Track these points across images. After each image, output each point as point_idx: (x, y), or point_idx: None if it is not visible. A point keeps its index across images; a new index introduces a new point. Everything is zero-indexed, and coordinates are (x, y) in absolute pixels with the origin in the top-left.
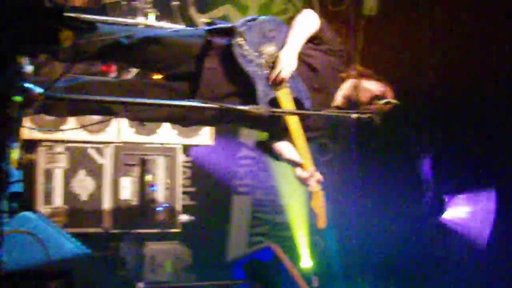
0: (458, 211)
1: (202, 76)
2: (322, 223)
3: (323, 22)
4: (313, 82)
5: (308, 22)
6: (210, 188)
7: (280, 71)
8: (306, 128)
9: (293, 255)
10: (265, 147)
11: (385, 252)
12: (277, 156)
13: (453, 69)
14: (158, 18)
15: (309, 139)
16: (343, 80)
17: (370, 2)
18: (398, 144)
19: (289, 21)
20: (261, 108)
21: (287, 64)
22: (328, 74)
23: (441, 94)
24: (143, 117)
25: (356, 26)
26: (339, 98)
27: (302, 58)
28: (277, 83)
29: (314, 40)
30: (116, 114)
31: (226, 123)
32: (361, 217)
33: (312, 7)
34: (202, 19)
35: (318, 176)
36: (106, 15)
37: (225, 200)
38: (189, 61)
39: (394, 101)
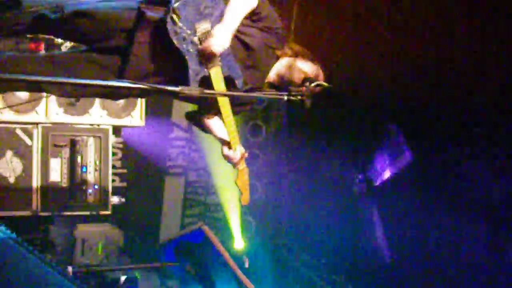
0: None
1: (132, 51)
2: (245, 200)
3: None
4: (246, 60)
5: None
6: (141, 170)
7: (210, 45)
8: (237, 102)
9: (226, 236)
10: (195, 119)
11: (317, 232)
12: (206, 130)
13: (385, 49)
14: None
15: (239, 112)
16: (277, 58)
17: None
18: (329, 125)
19: None
20: (193, 90)
21: (220, 40)
22: (263, 52)
23: (375, 74)
24: (72, 94)
25: (290, 6)
26: (272, 75)
27: (238, 35)
28: (206, 57)
29: (251, 16)
30: (44, 91)
31: (155, 95)
32: (292, 198)
33: None
34: None
35: (244, 153)
36: None
37: (157, 182)
38: (120, 34)
39: (325, 84)
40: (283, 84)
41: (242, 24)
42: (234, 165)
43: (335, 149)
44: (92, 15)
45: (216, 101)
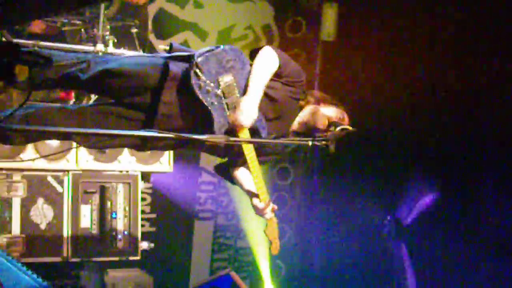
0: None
1: (159, 108)
2: (275, 249)
3: (282, 58)
4: (271, 112)
5: (268, 62)
6: (171, 215)
7: (240, 120)
8: (263, 153)
9: (256, 280)
10: (224, 171)
11: (347, 275)
12: (234, 182)
13: (411, 91)
14: (116, 45)
15: (264, 163)
16: (301, 107)
17: (328, 28)
18: (357, 167)
19: (249, 46)
20: (218, 137)
21: (248, 113)
22: (287, 103)
23: (400, 117)
24: (100, 145)
25: (315, 51)
26: (296, 123)
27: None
28: (236, 130)
29: (275, 74)
30: (73, 140)
31: (184, 149)
32: (322, 240)
33: (271, 33)
34: (161, 46)
35: (273, 206)
36: (65, 42)
37: (187, 226)
38: (147, 91)
39: (350, 127)
40: (308, 131)
41: None
42: (263, 215)
43: (364, 190)
44: (120, 74)
45: (243, 154)
